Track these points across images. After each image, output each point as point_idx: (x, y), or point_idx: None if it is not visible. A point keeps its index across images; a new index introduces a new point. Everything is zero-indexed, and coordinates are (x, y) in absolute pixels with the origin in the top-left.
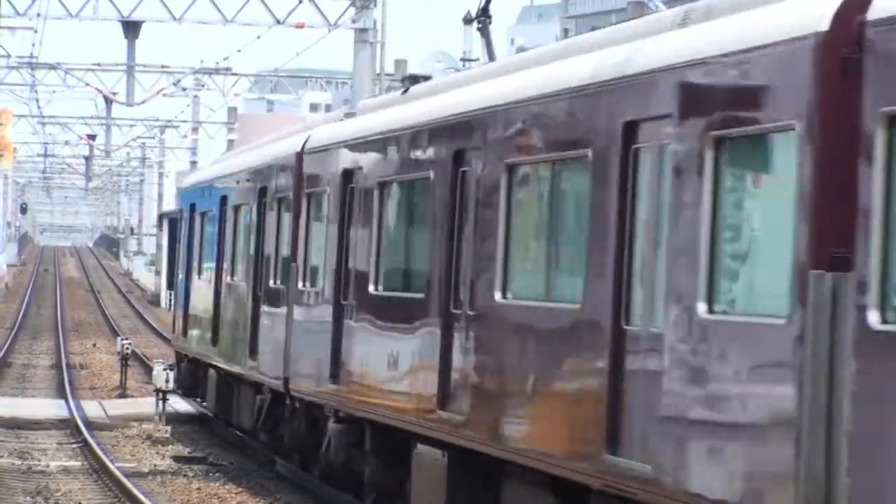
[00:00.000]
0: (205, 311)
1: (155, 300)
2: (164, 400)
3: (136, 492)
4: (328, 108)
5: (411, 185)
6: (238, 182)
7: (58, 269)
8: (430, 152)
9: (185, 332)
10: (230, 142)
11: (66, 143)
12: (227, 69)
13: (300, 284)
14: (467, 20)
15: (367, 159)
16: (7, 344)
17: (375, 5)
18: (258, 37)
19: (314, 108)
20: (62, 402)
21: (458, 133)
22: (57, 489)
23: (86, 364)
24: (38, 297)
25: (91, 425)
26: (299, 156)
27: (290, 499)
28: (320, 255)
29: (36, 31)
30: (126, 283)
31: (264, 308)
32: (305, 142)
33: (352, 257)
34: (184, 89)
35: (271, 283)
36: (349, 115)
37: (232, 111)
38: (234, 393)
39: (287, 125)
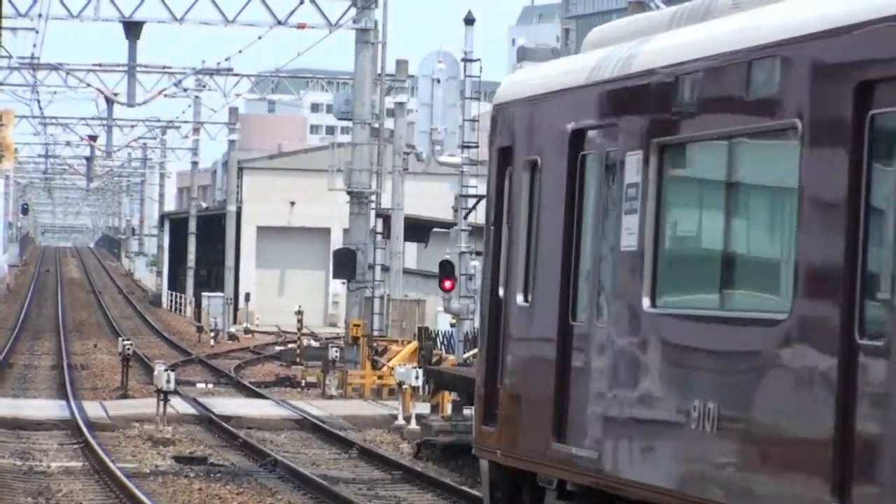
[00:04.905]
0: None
1: (156, 301)
2: (166, 400)
3: (137, 492)
4: (329, 109)
5: None
6: None
7: (59, 269)
8: None
9: (559, 431)
10: (231, 142)
11: (68, 143)
12: (229, 70)
13: None
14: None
15: None
16: (9, 345)
17: (376, 5)
18: (259, 37)
19: (315, 108)
20: (63, 402)
21: None
22: (58, 490)
23: (87, 365)
24: (39, 298)
25: (92, 426)
26: None
27: (290, 498)
28: None
29: (37, 32)
30: (127, 284)
31: None
32: None
33: None
34: (185, 90)
35: None
36: None
37: (233, 112)
38: None
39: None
